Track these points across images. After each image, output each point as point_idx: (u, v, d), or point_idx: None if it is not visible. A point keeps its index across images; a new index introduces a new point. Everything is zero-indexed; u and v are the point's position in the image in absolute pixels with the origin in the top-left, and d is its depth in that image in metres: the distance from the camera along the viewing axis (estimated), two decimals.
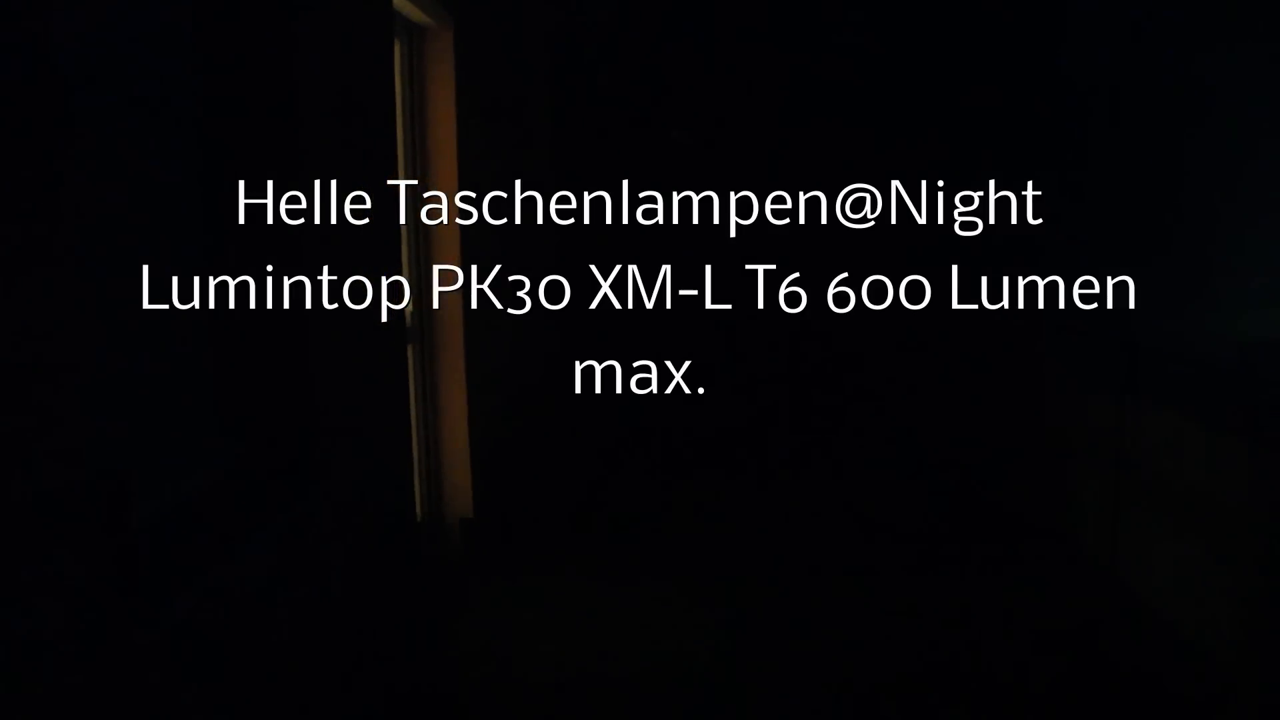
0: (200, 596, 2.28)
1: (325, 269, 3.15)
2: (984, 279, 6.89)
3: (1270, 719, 3.43)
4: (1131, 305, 6.84)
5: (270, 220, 2.92)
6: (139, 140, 2.34)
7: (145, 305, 2.39)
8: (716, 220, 7.05)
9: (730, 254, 7.06)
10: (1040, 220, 6.79)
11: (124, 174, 2.27)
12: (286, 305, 3.00)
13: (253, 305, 2.89)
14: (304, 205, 3.02)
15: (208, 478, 2.69)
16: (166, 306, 2.50)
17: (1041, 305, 6.82)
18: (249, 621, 2.55)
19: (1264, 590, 3.54)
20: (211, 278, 2.74)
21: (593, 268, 7.08)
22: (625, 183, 7.02)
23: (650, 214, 7.06)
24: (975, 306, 6.90)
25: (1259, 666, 3.55)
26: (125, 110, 2.27)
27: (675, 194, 7.02)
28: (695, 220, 7.05)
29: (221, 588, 2.39)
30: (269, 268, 2.94)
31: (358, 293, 3.42)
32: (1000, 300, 6.86)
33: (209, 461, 2.72)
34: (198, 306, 2.69)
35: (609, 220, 7.07)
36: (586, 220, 7.06)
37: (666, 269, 7.08)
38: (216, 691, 2.34)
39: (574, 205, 7.03)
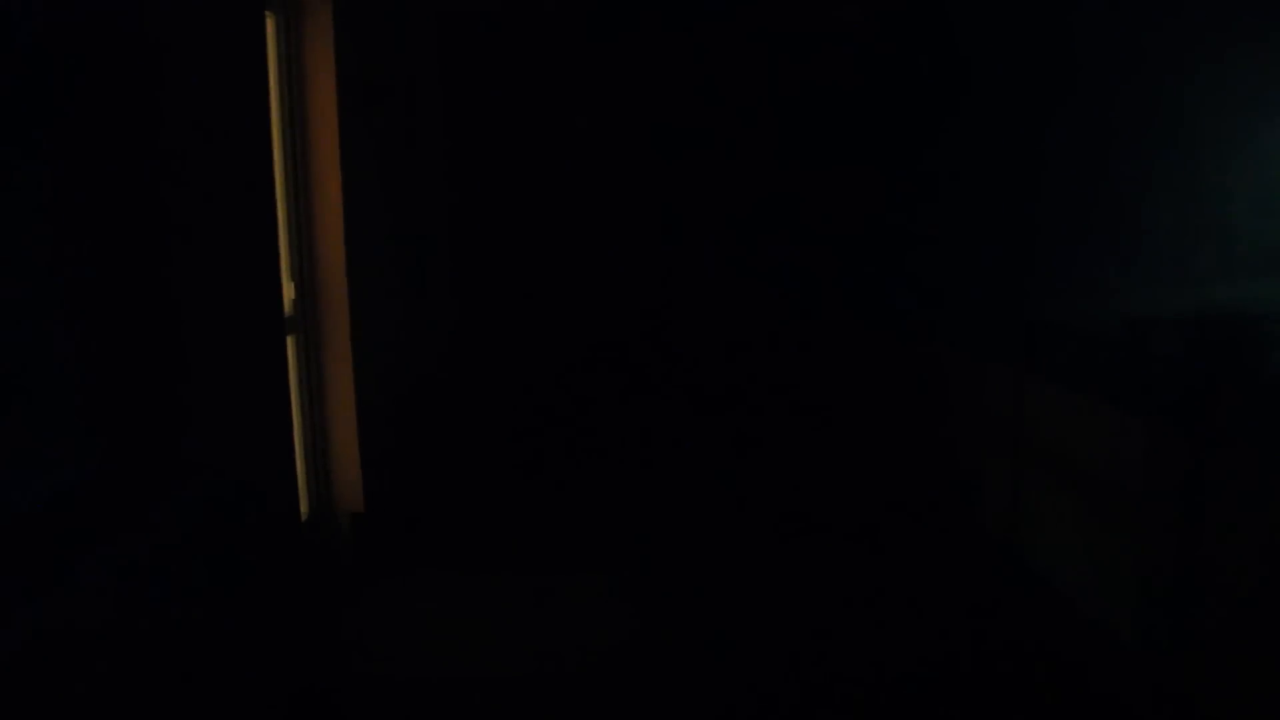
0: (51, 610, 2.11)
1: (193, 257, 2.98)
2: (875, 252, 6.91)
3: (1171, 698, 3.46)
4: (1022, 280, 6.93)
5: (131, 207, 2.74)
6: None
7: None
8: (620, 203, 6.94)
9: (642, 238, 6.97)
10: (928, 199, 6.84)
11: None
12: (149, 294, 2.82)
13: (110, 298, 2.70)
14: (170, 191, 2.84)
15: (64, 476, 2.50)
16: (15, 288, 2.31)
17: (936, 283, 6.86)
18: (112, 633, 2.38)
19: (1163, 570, 3.57)
20: (68, 261, 2.54)
21: (490, 251, 6.93)
22: (523, 160, 6.88)
23: (551, 197, 6.93)
24: (869, 281, 6.91)
25: (1160, 646, 3.58)
26: None
27: (577, 178, 6.90)
28: (598, 204, 6.94)
29: (76, 599, 2.22)
30: (132, 254, 2.75)
31: (230, 281, 3.24)
32: (893, 274, 6.88)
33: (58, 466, 2.53)
34: (52, 291, 2.49)
35: (506, 198, 6.92)
36: (482, 203, 6.90)
37: (573, 252, 6.96)
38: (76, 712, 2.17)
39: (466, 187, 6.86)
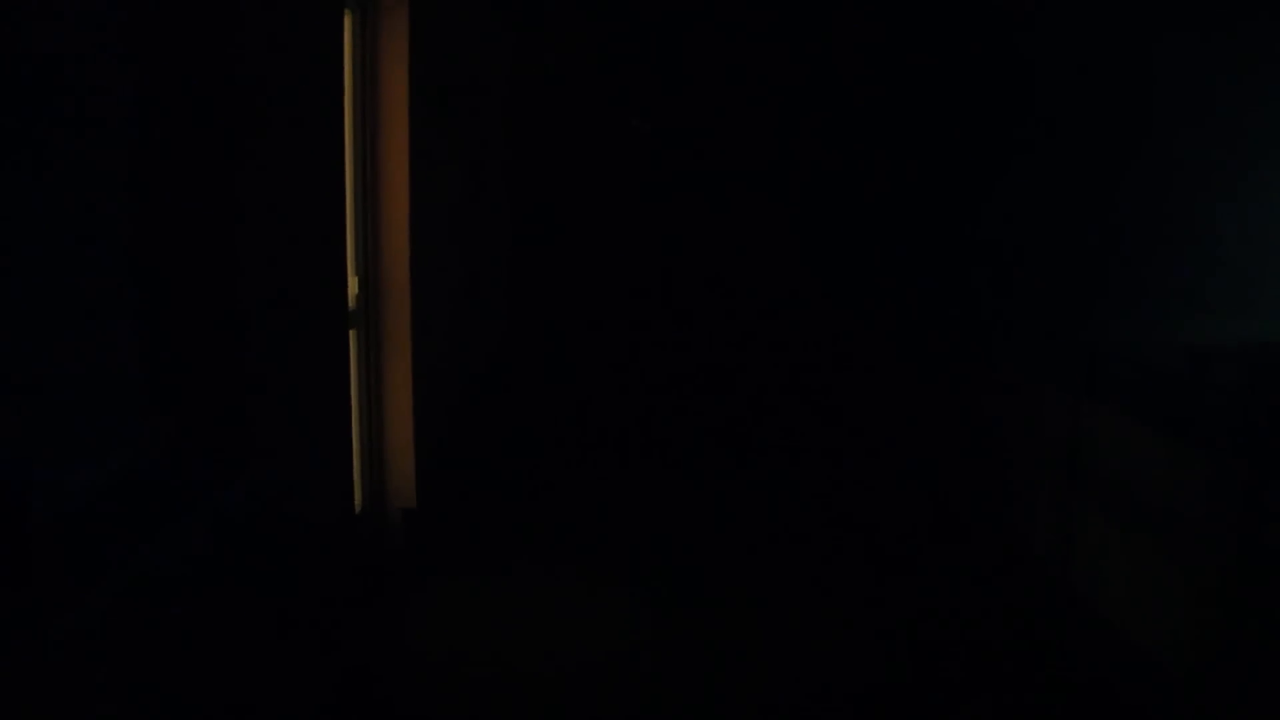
0: (113, 593, 2.14)
1: (262, 248, 3.01)
2: (937, 280, 6.85)
3: None
4: (1084, 309, 6.84)
5: (205, 197, 2.78)
6: (59, 115, 2.18)
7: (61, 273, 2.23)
8: (673, 208, 6.94)
9: (692, 245, 6.96)
10: (995, 223, 6.77)
11: (44, 146, 2.12)
12: (218, 282, 2.86)
13: (181, 283, 2.74)
14: (243, 183, 2.88)
15: (126, 462, 2.54)
16: (84, 275, 2.35)
17: (995, 307, 6.79)
18: (170, 619, 2.42)
19: (1219, 600, 3.50)
20: (137, 248, 2.58)
21: (549, 254, 6.96)
22: (584, 164, 6.90)
23: (604, 200, 6.95)
24: (929, 308, 6.86)
25: (1213, 678, 3.51)
26: (44, 83, 2.12)
27: (631, 181, 6.91)
28: (652, 206, 6.94)
29: (138, 582, 2.25)
30: (202, 243, 2.79)
31: (297, 273, 3.28)
32: (953, 301, 6.82)
33: (127, 444, 2.57)
34: (120, 276, 2.53)
35: (566, 202, 6.95)
36: (543, 202, 6.93)
37: (630, 258, 6.97)
38: (132, 697, 2.20)
39: (529, 190, 6.90)
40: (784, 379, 7.01)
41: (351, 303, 4.22)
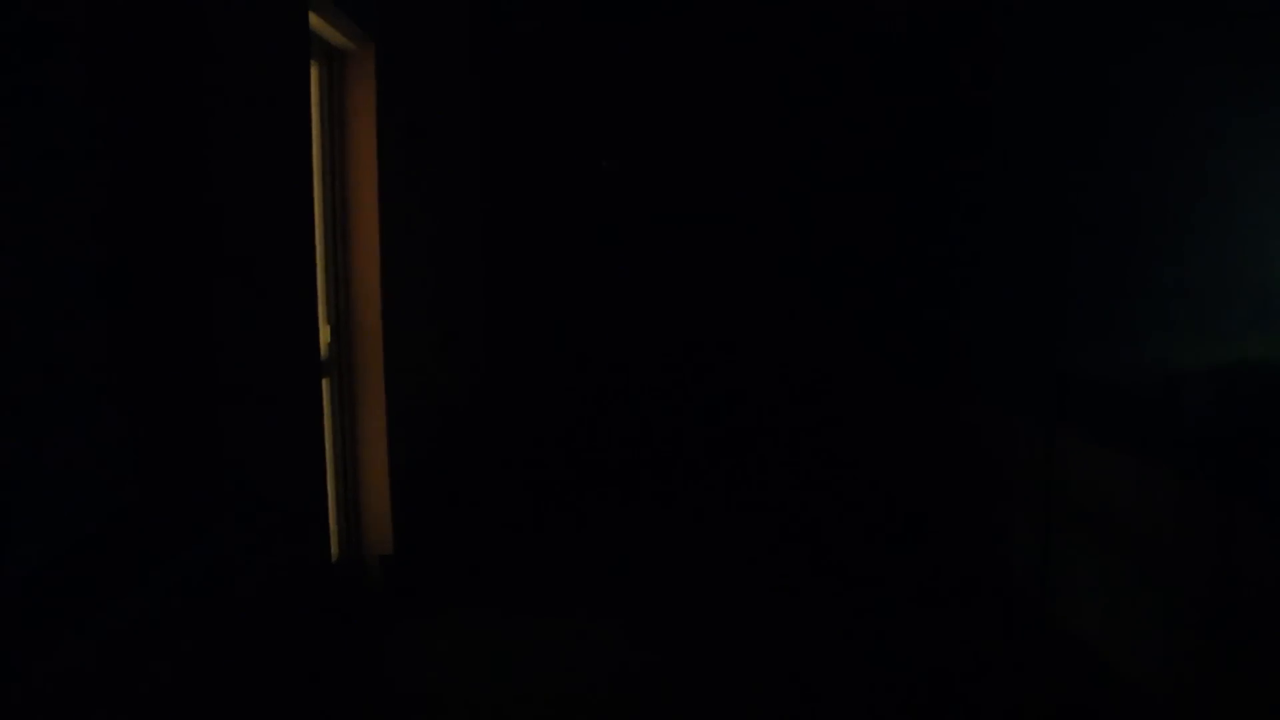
0: (88, 647, 2.13)
1: (233, 297, 3.03)
2: (904, 304, 6.91)
3: None
4: (1054, 333, 6.90)
5: (176, 244, 2.80)
6: (30, 156, 2.20)
7: (29, 319, 2.24)
8: (642, 244, 6.99)
9: (661, 277, 7.01)
10: (958, 247, 6.84)
11: (15, 193, 2.13)
12: (191, 334, 2.87)
13: (155, 330, 2.75)
14: (216, 233, 2.90)
15: (100, 514, 2.53)
16: (55, 323, 2.35)
17: (964, 331, 6.85)
18: (145, 672, 2.41)
19: (1197, 624, 3.52)
20: (110, 299, 2.59)
21: (522, 298, 6.99)
22: (552, 207, 6.95)
23: (576, 239, 6.99)
24: (898, 333, 6.91)
25: (1192, 701, 3.53)
26: (16, 121, 2.14)
27: (602, 220, 6.96)
28: (620, 245, 6.99)
29: (112, 636, 2.24)
30: (173, 292, 2.80)
31: (268, 323, 3.29)
32: (922, 326, 6.88)
33: (101, 497, 2.56)
34: (94, 326, 2.53)
35: (538, 244, 6.99)
36: (515, 244, 6.97)
37: (599, 297, 7.00)
38: None
39: (501, 233, 6.93)
40: (758, 417, 7.04)
41: (324, 351, 4.23)
